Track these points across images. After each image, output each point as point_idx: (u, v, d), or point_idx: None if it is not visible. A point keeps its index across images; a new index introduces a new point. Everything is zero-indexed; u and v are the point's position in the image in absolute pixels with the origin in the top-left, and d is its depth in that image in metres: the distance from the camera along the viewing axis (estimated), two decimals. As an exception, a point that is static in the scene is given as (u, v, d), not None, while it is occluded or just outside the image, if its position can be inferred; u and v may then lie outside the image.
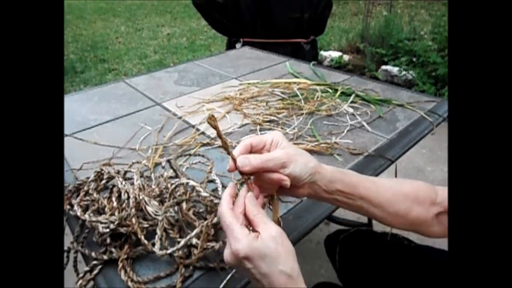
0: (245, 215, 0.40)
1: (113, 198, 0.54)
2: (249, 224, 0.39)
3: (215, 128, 0.39)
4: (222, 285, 0.46)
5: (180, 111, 0.92)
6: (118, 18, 5.72)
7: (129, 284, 0.45)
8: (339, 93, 0.97)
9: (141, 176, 0.59)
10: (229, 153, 0.41)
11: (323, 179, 0.44)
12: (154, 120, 0.88)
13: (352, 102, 0.93)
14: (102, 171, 0.61)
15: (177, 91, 1.05)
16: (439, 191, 0.48)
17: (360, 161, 0.70)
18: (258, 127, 0.82)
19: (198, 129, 0.82)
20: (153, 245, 0.47)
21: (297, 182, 0.42)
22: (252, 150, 0.43)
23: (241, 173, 0.42)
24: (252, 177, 0.43)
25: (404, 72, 2.57)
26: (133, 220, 0.49)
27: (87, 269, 0.48)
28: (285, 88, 1.02)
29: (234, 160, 0.41)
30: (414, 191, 0.47)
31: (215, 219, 0.49)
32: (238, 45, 1.89)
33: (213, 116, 0.39)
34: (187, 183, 0.51)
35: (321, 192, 0.44)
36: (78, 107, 0.96)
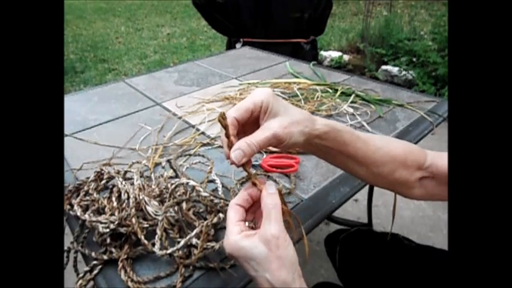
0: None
1: (113, 198, 0.54)
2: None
3: (225, 127, 0.37)
4: (221, 285, 0.46)
5: (180, 111, 0.92)
6: (118, 18, 5.72)
7: (129, 284, 0.45)
8: (339, 93, 0.97)
9: (141, 176, 0.59)
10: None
11: (315, 137, 0.41)
12: (154, 120, 0.88)
13: (352, 102, 0.93)
14: (102, 171, 0.61)
15: (177, 91, 1.05)
16: (428, 156, 0.47)
17: (360, 161, 0.70)
18: (258, 127, 0.82)
19: (198, 129, 0.82)
20: (153, 245, 0.47)
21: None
22: (239, 125, 0.40)
23: (245, 169, 0.40)
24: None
25: (404, 72, 2.57)
26: (133, 220, 0.49)
27: (87, 269, 0.48)
28: (285, 88, 1.02)
29: (250, 176, 0.40)
30: (403, 155, 0.46)
31: (215, 219, 0.49)
32: (238, 45, 1.89)
33: (224, 114, 0.37)
34: (187, 183, 0.51)
35: (305, 144, 0.42)
36: (78, 107, 0.96)
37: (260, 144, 0.38)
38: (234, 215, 0.38)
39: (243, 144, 0.38)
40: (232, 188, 0.62)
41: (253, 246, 0.34)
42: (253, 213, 0.41)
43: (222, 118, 0.37)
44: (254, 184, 0.40)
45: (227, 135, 0.38)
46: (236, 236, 0.35)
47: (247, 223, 0.39)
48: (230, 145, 0.39)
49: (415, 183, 0.47)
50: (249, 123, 0.40)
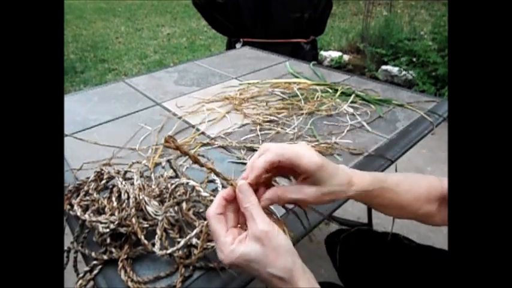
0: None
1: (113, 198, 0.54)
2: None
3: (177, 148, 0.38)
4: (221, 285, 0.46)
5: (180, 111, 0.92)
6: (118, 18, 5.72)
7: (129, 284, 0.45)
8: (339, 93, 0.97)
9: (141, 176, 0.59)
10: (201, 165, 0.40)
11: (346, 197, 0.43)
12: (154, 120, 0.88)
13: (352, 102, 0.93)
14: (102, 171, 0.61)
15: (177, 91, 1.05)
16: (444, 182, 0.49)
17: (360, 161, 0.70)
18: (258, 127, 0.82)
19: (198, 129, 0.83)
20: (153, 245, 0.47)
21: None
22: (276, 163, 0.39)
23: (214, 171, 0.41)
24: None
25: (404, 72, 2.57)
26: (133, 220, 0.49)
27: (87, 269, 0.48)
28: (285, 88, 1.02)
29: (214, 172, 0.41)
30: (427, 192, 0.47)
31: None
32: (238, 45, 1.89)
33: (169, 136, 0.37)
34: (187, 183, 0.50)
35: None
36: (78, 107, 0.96)
37: (287, 201, 0.40)
38: (220, 226, 0.37)
39: (275, 197, 0.39)
40: (232, 188, 0.62)
41: (248, 249, 0.35)
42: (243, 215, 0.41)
43: (168, 143, 0.37)
44: (232, 185, 0.40)
45: (184, 153, 0.39)
46: (231, 247, 0.36)
47: (239, 225, 0.39)
48: (195, 159, 0.41)
49: (436, 212, 0.49)
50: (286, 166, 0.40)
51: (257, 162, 0.38)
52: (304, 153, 0.38)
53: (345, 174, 0.41)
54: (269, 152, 0.38)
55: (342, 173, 0.41)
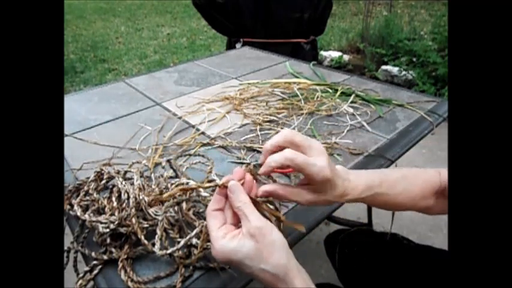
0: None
1: (113, 198, 0.54)
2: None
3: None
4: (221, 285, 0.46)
5: (180, 111, 0.92)
6: (118, 18, 5.72)
7: (129, 284, 0.45)
8: (339, 93, 0.97)
9: (141, 176, 0.59)
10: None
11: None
12: (154, 120, 0.88)
13: (352, 102, 0.93)
14: (102, 171, 0.61)
15: (177, 91, 1.05)
16: (442, 176, 0.50)
17: (360, 161, 0.70)
18: (258, 127, 0.82)
19: (198, 129, 0.83)
20: (153, 245, 0.47)
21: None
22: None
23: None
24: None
25: (404, 72, 2.57)
26: (133, 220, 0.49)
27: (87, 269, 0.48)
28: (285, 88, 1.02)
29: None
30: (422, 191, 0.48)
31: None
32: (238, 45, 1.89)
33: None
34: (187, 183, 0.51)
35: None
36: (78, 107, 0.96)
37: (284, 199, 0.42)
38: (214, 221, 0.38)
39: (274, 193, 0.41)
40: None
41: (241, 244, 0.35)
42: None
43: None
44: (225, 187, 0.40)
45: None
46: (222, 241, 0.36)
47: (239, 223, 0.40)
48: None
49: (434, 205, 0.50)
50: None
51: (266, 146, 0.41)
52: (315, 163, 0.39)
53: (341, 186, 0.42)
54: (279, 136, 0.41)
55: (340, 185, 0.42)
